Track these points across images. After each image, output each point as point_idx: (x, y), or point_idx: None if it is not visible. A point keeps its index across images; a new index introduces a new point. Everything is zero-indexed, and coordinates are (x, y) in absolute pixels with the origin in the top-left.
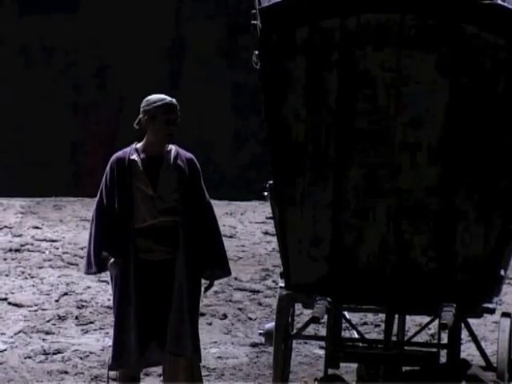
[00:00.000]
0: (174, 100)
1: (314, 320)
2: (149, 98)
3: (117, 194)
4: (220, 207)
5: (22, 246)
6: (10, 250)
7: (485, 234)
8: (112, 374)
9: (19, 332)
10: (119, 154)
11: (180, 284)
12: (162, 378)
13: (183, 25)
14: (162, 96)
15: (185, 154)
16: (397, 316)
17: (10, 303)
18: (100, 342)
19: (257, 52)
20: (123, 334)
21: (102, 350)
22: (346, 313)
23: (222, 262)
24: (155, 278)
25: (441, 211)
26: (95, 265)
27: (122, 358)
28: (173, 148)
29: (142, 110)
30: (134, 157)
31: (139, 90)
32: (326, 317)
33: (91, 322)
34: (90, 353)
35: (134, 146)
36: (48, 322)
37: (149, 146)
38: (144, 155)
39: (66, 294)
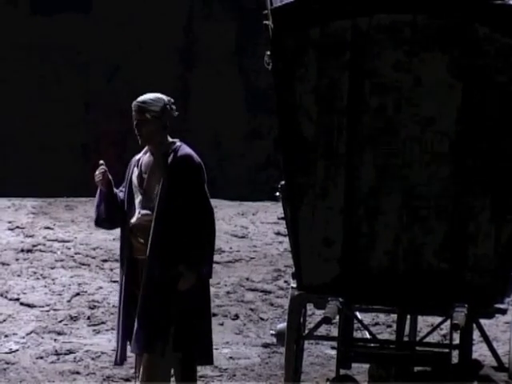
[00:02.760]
0: (141, 100)
1: (326, 320)
2: None
3: (124, 192)
4: (232, 207)
5: (33, 246)
6: (22, 251)
7: (497, 235)
8: (124, 373)
9: (31, 332)
10: (137, 154)
11: (144, 283)
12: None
13: (195, 25)
14: (142, 96)
15: (180, 151)
16: (409, 316)
17: (22, 303)
18: (112, 342)
19: (269, 52)
20: (118, 331)
21: (114, 350)
22: (357, 313)
23: (199, 259)
24: (140, 276)
25: (453, 212)
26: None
27: (116, 356)
28: (175, 145)
29: None
30: (139, 156)
31: (151, 91)
32: (337, 317)
33: (103, 323)
34: (102, 353)
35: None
36: (60, 322)
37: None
38: (148, 154)
39: (77, 294)
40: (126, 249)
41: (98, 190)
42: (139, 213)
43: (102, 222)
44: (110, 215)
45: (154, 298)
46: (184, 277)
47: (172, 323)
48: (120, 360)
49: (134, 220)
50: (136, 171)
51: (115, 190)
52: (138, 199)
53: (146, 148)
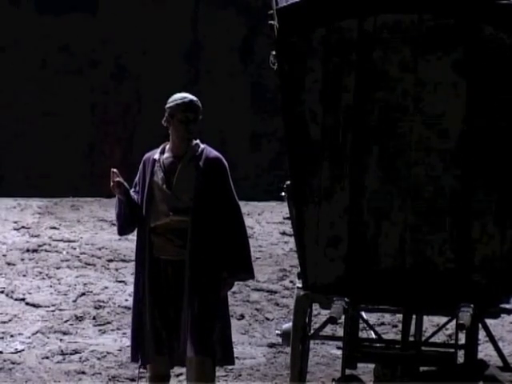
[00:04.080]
0: (194, 99)
1: (332, 320)
2: (173, 96)
3: (140, 193)
4: None
5: (39, 246)
6: (28, 251)
7: (502, 234)
8: (130, 373)
9: (37, 332)
10: (148, 153)
11: (188, 286)
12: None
13: (201, 26)
14: (183, 94)
15: (210, 153)
16: (414, 316)
17: (27, 303)
18: (117, 342)
19: (274, 52)
20: (138, 331)
21: (120, 350)
22: (363, 313)
23: (244, 264)
24: (169, 277)
25: (458, 211)
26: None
27: (137, 355)
28: (200, 146)
29: (165, 108)
30: (157, 156)
31: (157, 91)
32: (343, 317)
33: (109, 323)
34: (108, 353)
35: (163, 145)
36: (65, 322)
37: (172, 145)
38: (168, 154)
39: (83, 294)
40: (146, 248)
41: (117, 199)
42: (169, 214)
43: (127, 228)
44: (133, 220)
45: (201, 302)
46: (227, 282)
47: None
48: (145, 360)
49: (161, 221)
50: (159, 172)
51: (131, 193)
52: (164, 200)
53: (162, 147)
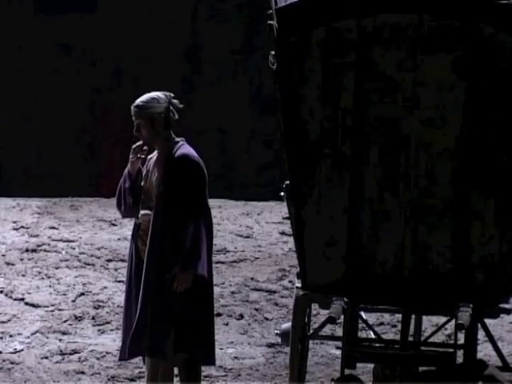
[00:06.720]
0: (135, 104)
1: (331, 320)
2: None
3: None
4: (237, 207)
5: (38, 246)
6: (27, 251)
7: (501, 234)
8: (129, 373)
9: (36, 332)
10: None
11: (143, 286)
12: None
13: (200, 25)
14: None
15: (179, 152)
16: (413, 316)
17: (26, 303)
18: (117, 342)
19: (273, 52)
20: (126, 328)
21: (119, 350)
22: (362, 313)
23: (183, 257)
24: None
25: (458, 212)
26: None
27: (122, 351)
28: (176, 145)
29: None
30: (153, 154)
31: (156, 91)
32: (342, 317)
33: (108, 323)
34: (107, 353)
35: None
36: (65, 322)
37: None
38: (156, 152)
39: (82, 294)
40: (134, 249)
41: (126, 173)
42: (140, 213)
43: (129, 208)
44: (133, 200)
45: (152, 303)
46: (178, 278)
47: (172, 326)
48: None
49: (138, 220)
50: (145, 170)
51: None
52: (141, 198)
53: None
